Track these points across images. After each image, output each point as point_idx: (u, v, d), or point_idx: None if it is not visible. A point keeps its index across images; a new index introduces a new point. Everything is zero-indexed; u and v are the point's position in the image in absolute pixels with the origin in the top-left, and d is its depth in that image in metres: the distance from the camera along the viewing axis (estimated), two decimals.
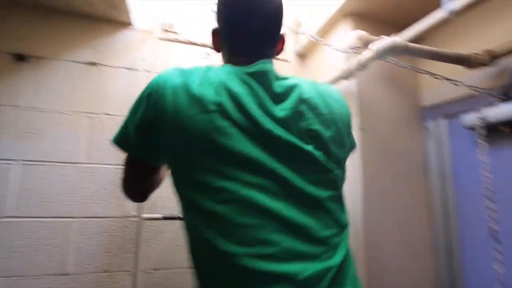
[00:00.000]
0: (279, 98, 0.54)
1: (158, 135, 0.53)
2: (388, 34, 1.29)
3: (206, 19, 1.57)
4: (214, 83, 0.52)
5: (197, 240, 0.51)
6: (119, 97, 1.40)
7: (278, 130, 0.52)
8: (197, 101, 0.50)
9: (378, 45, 0.96)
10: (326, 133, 0.55)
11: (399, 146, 1.35)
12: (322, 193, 0.54)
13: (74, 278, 1.21)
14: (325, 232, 0.52)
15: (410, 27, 1.16)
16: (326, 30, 1.46)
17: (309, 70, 1.69)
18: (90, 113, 1.35)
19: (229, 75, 0.53)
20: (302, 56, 1.73)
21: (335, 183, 0.58)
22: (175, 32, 1.50)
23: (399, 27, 1.37)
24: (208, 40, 1.56)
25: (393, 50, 0.94)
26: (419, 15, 1.31)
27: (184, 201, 0.53)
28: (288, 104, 0.54)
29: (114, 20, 1.41)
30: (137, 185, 0.66)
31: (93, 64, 1.38)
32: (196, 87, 0.51)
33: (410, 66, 1.04)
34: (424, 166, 1.39)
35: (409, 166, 1.36)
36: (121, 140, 0.59)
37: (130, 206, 1.32)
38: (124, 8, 1.30)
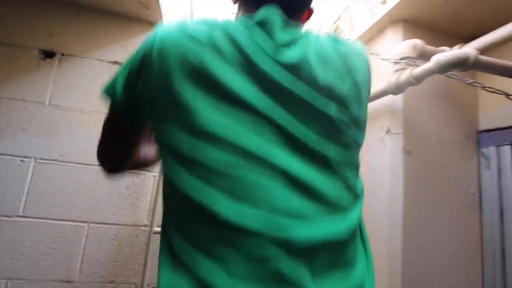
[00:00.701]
0: (285, 44, 0.46)
1: (145, 79, 0.45)
2: (443, 45, 1.13)
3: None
4: (210, 24, 0.45)
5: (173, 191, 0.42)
6: None
7: (280, 76, 0.44)
8: (188, 35, 0.43)
9: (442, 56, 0.80)
10: (341, 87, 0.46)
11: (449, 173, 1.15)
12: (331, 153, 0.45)
13: (78, 286, 1.13)
14: (332, 191, 0.43)
15: (478, 38, 0.98)
16: (371, 37, 1.31)
17: None
18: None
19: (229, 21, 0.47)
20: None
21: (348, 143, 0.47)
22: None
23: (456, 38, 1.21)
24: None
25: (462, 64, 0.77)
26: (478, 27, 1.14)
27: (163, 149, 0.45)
28: (294, 52, 0.45)
29: (146, 19, 1.36)
30: (113, 146, 0.55)
31: (120, 64, 1.33)
32: (190, 25, 0.45)
33: (476, 82, 0.86)
34: (478, 198, 1.18)
35: (460, 196, 1.16)
36: (109, 89, 0.50)
37: (143, 214, 1.24)
38: (156, 8, 1.24)
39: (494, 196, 1.13)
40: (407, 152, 1.12)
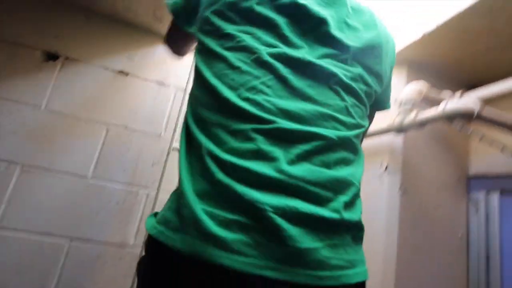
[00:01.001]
0: None
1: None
2: (444, 88, 1.20)
3: None
4: None
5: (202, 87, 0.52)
6: (142, 111, 1.30)
7: (311, 4, 0.53)
8: None
9: (448, 106, 0.84)
10: (364, 34, 0.56)
11: (440, 215, 1.19)
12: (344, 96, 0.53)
13: None
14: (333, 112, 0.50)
15: (482, 87, 1.05)
16: None
17: None
18: (109, 123, 1.24)
19: None
20: None
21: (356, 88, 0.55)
22: None
23: (456, 82, 1.29)
24: None
25: (467, 116, 0.82)
26: (480, 74, 1.22)
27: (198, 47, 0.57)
28: None
29: (156, 32, 1.35)
30: (174, 43, 0.80)
31: (124, 73, 1.30)
32: None
33: (474, 132, 0.91)
34: (466, 242, 1.21)
35: (449, 240, 1.18)
36: (173, 3, 0.63)
37: (131, 233, 1.17)
38: (168, 22, 1.24)
39: (481, 241, 1.17)
40: (404, 191, 1.14)
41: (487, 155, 1.21)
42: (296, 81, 0.49)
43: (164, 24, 1.28)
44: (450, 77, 1.27)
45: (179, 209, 0.43)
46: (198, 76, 0.53)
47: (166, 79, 1.36)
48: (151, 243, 0.45)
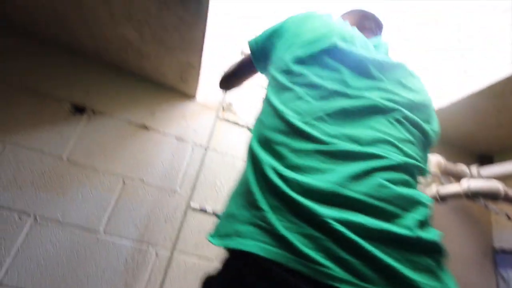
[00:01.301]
0: (381, 51, 0.68)
1: (279, 40, 0.70)
2: (458, 160, 1.20)
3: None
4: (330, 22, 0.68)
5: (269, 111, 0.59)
6: (160, 166, 1.32)
7: (374, 57, 0.62)
8: (319, 19, 0.68)
9: (472, 184, 0.83)
10: (416, 96, 0.62)
11: None
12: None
13: None
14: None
15: (497, 164, 1.05)
16: None
17: None
18: (126, 177, 1.25)
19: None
20: None
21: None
22: (233, 112, 1.49)
23: (472, 154, 1.30)
24: None
25: (493, 196, 0.80)
26: (490, 147, 1.24)
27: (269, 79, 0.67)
28: (389, 58, 0.66)
29: (180, 91, 1.43)
30: (236, 74, 0.90)
31: (146, 127, 1.35)
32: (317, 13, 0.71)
33: (502, 212, 0.89)
34: None
35: None
36: (253, 40, 0.77)
37: None
38: (194, 83, 1.32)
39: None
40: None
41: (510, 229, 1.16)
42: (359, 113, 0.54)
43: (188, 84, 1.37)
44: (462, 148, 1.28)
45: (261, 225, 0.43)
46: (267, 104, 0.62)
47: (185, 134, 1.40)
48: (243, 257, 0.43)
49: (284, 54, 0.64)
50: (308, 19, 0.68)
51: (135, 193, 1.25)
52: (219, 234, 0.49)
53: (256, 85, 1.63)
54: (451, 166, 1.07)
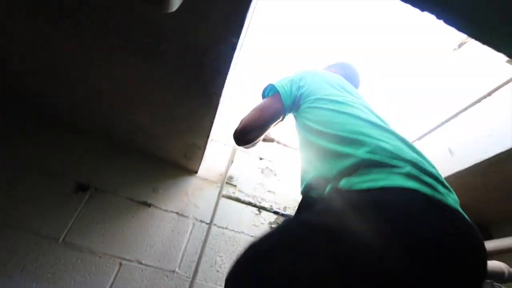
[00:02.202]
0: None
1: (302, 87, 0.86)
2: None
3: (262, 176, 1.63)
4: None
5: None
6: (159, 244, 1.28)
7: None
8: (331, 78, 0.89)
9: None
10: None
11: None
12: None
13: None
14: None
15: (495, 240, 1.08)
16: None
17: None
18: (123, 259, 1.20)
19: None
20: None
21: None
22: (234, 185, 1.53)
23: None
24: (261, 197, 1.55)
25: (498, 277, 0.81)
26: (486, 219, 1.29)
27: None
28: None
29: (183, 167, 1.48)
30: (260, 123, 0.85)
31: (147, 204, 1.36)
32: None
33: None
34: None
35: None
36: (281, 85, 0.87)
37: None
38: (197, 160, 1.38)
39: None
40: None
41: None
42: None
43: (192, 161, 1.42)
44: None
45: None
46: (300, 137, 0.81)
47: (186, 210, 1.40)
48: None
49: (307, 101, 0.82)
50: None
51: (131, 277, 1.18)
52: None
53: (255, 157, 1.71)
54: None
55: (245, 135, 0.83)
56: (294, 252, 0.49)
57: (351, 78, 1.08)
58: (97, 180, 1.34)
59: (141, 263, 1.22)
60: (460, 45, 1.24)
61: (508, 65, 0.96)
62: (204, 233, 1.33)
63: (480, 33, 0.50)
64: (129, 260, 1.21)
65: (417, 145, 1.30)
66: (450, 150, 1.11)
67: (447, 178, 1.09)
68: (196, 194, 1.46)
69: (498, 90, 1.01)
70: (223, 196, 1.24)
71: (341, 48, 1.75)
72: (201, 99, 0.99)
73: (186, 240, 1.32)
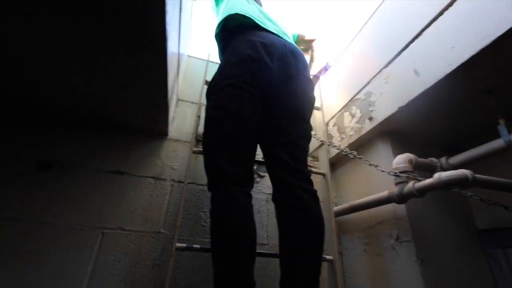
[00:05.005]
0: None
1: None
2: (429, 154, 1.27)
3: None
4: None
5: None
6: (140, 209, 1.27)
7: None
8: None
9: (443, 176, 0.87)
10: None
11: (465, 278, 1.11)
12: None
13: None
14: None
15: (463, 152, 1.12)
16: (361, 144, 1.44)
17: (342, 183, 1.61)
18: (105, 228, 1.19)
19: None
20: (332, 166, 1.68)
21: None
22: None
23: (434, 146, 1.38)
24: None
25: (462, 183, 0.84)
26: (451, 140, 1.33)
27: None
28: None
29: (152, 130, 1.41)
30: None
31: (120, 173, 1.31)
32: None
33: (474, 195, 0.93)
34: None
35: None
36: None
37: None
38: (164, 121, 1.32)
39: None
40: (422, 260, 1.09)
41: (490, 211, 1.21)
42: None
43: (160, 124, 1.35)
44: (427, 140, 1.35)
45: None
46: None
47: (162, 173, 1.37)
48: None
49: None
50: None
51: (117, 244, 1.18)
52: None
53: None
54: (422, 161, 1.13)
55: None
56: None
57: None
58: (61, 155, 1.27)
59: (124, 229, 1.21)
60: None
61: None
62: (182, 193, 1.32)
63: None
64: (112, 229, 1.20)
65: (385, 73, 1.28)
66: (416, 71, 1.10)
67: (415, 100, 1.08)
68: (170, 156, 1.42)
69: (457, 0, 0.97)
70: (194, 152, 1.20)
71: None
72: (141, 51, 0.87)
73: (166, 202, 1.31)
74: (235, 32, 1.09)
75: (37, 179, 1.20)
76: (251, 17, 1.09)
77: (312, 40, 1.50)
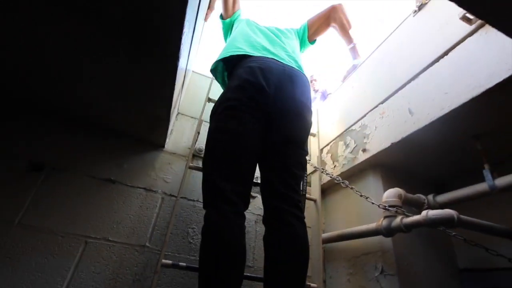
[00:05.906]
0: None
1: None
2: (417, 188, 1.31)
3: None
4: None
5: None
6: (127, 220, 1.24)
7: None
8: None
9: (431, 214, 0.91)
10: None
11: None
12: None
13: None
14: None
15: (449, 192, 1.17)
16: (353, 173, 1.48)
17: (331, 210, 1.62)
18: (89, 237, 1.15)
19: None
20: (322, 193, 1.70)
21: None
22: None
23: (429, 183, 1.43)
24: None
25: (448, 223, 0.88)
26: (439, 176, 1.39)
27: None
28: None
29: (149, 141, 1.41)
30: None
31: (111, 181, 1.29)
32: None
33: (458, 235, 0.97)
34: None
35: None
36: None
37: None
38: (162, 133, 1.32)
39: None
40: None
41: (472, 251, 1.24)
42: None
43: (158, 135, 1.36)
44: (416, 175, 1.40)
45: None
46: None
47: (154, 185, 1.36)
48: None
49: None
50: None
51: (99, 254, 1.14)
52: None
53: None
54: (411, 196, 1.16)
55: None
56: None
57: None
58: (54, 159, 1.24)
59: (108, 240, 1.18)
60: (419, 7, 1.25)
61: (462, 22, 0.98)
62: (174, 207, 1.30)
63: None
64: (95, 238, 1.16)
65: (382, 108, 1.34)
66: (410, 111, 1.16)
67: (408, 137, 1.14)
68: (164, 169, 1.41)
69: (454, 49, 1.05)
70: (191, 167, 1.20)
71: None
72: (153, 64, 0.90)
73: (155, 215, 1.29)
74: (236, 61, 1.18)
75: (24, 179, 1.16)
76: (246, 53, 1.16)
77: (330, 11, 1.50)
